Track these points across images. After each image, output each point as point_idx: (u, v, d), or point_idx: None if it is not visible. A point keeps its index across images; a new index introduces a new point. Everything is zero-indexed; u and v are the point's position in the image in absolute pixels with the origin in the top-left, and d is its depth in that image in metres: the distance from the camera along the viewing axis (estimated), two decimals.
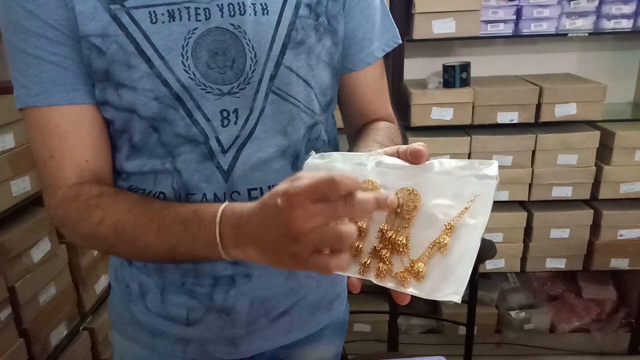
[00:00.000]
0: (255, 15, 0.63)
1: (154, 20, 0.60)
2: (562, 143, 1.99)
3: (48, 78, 0.61)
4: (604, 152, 2.02)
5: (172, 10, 0.60)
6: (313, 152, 0.56)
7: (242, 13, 0.62)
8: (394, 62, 1.99)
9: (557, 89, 1.95)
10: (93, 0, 0.60)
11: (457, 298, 0.43)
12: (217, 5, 0.61)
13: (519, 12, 1.97)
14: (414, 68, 2.16)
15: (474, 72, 2.07)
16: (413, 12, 1.89)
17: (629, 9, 1.96)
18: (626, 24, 1.97)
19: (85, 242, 0.67)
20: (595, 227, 2.07)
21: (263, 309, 0.73)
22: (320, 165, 0.53)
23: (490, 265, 2.12)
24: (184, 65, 0.61)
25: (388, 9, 0.78)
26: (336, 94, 0.77)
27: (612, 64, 2.20)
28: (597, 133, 1.98)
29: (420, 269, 0.45)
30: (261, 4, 0.63)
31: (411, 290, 0.45)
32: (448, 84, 2.02)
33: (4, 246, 1.35)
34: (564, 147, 2.00)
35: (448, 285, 0.44)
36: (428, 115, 2.01)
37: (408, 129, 2.07)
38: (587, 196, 2.06)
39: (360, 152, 0.55)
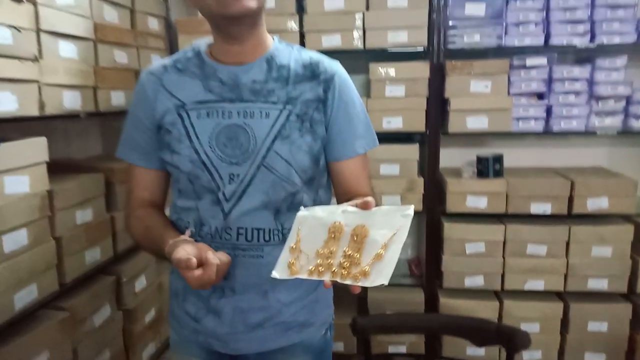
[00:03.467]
0: (260, 118, 0.95)
1: (198, 117, 0.96)
2: (595, 235, 2.04)
3: (132, 147, 1.03)
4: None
5: (209, 111, 0.96)
6: (302, 207, 0.87)
7: (251, 116, 0.95)
8: (429, 151, 2.14)
9: (589, 182, 2.03)
10: (170, 105, 0.98)
11: (385, 282, 0.71)
12: (237, 110, 0.95)
13: (549, 111, 2.11)
14: (450, 156, 2.31)
15: (507, 162, 2.19)
16: (449, 109, 2.06)
17: None
18: None
19: (133, 239, 1.07)
20: (636, 322, 2.05)
21: (242, 318, 1.00)
22: (307, 215, 0.84)
23: (526, 356, 2.11)
24: (210, 145, 0.95)
25: (370, 121, 1.06)
26: (319, 173, 1.03)
27: None
28: (631, 227, 2.03)
29: (367, 270, 0.74)
30: (265, 112, 0.95)
31: (360, 283, 0.73)
32: (482, 174, 2.14)
33: (73, 310, 1.50)
34: (598, 239, 2.04)
35: (380, 278, 0.72)
36: (463, 203, 2.11)
37: (444, 215, 2.17)
38: (624, 289, 2.06)
39: (333, 205, 0.86)
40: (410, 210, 0.79)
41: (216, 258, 0.84)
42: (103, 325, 1.66)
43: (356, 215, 0.81)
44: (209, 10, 0.90)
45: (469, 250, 2.13)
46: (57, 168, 1.45)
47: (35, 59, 1.34)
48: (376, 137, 1.06)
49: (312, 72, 0.99)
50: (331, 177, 1.06)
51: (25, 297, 1.32)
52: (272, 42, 1.01)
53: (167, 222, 1.03)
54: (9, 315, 1.27)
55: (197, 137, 0.95)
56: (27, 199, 1.32)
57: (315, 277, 0.77)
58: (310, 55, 1.02)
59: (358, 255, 0.76)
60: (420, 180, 2.14)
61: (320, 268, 0.77)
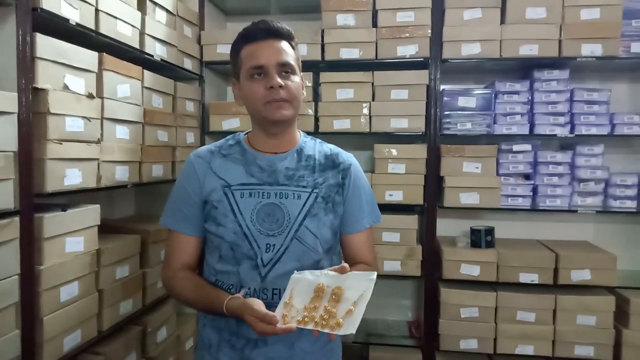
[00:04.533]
0: (293, 199, 1.16)
1: (242, 196, 1.16)
2: (580, 305, 2.21)
3: (178, 217, 1.21)
4: (622, 316, 2.21)
5: (251, 192, 1.16)
6: (295, 271, 1.07)
7: (286, 197, 1.16)
8: (427, 222, 2.37)
9: (572, 256, 2.24)
10: (216, 184, 1.17)
11: (353, 332, 0.93)
12: (274, 192, 1.16)
13: (535, 190, 2.35)
14: (446, 226, 2.54)
15: (498, 234, 2.41)
16: (444, 186, 2.32)
17: (631, 192, 2.30)
18: (630, 204, 2.30)
19: (175, 298, 1.24)
20: None
21: None
22: (299, 277, 1.05)
23: None
24: (251, 220, 1.14)
25: (375, 200, 1.29)
26: (335, 243, 1.23)
27: (625, 235, 2.49)
28: (613, 298, 2.20)
29: (340, 322, 0.97)
30: (297, 194, 1.17)
31: (336, 332, 0.95)
32: (475, 244, 2.36)
33: (107, 356, 1.71)
34: (582, 308, 2.21)
35: (350, 329, 0.94)
36: (458, 270, 2.32)
37: (441, 280, 2.37)
38: (609, 357, 2.20)
39: (319, 270, 1.07)
40: (374, 275, 1.02)
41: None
42: None
43: (335, 278, 1.04)
44: (256, 113, 1.16)
45: (464, 315, 2.30)
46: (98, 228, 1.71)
47: (98, 142, 1.64)
48: (380, 214, 1.29)
49: (332, 162, 1.23)
50: (342, 246, 1.27)
51: (71, 341, 1.55)
52: (300, 136, 1.26)
53: (208, 282, 1.19)
54: (58, 357, 1.49)
55: (241, 213, 1.14)
56: (81, 257, 1.58)
57: (301, 326, 0.98)
58: (330, 147, 1.27)
59: (335, 310, 0.99)
60: (419, 248, 2.36)
61: (306, 319, 0.99)
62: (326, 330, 0.96)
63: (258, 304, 1.02)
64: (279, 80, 1.11)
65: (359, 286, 1.01)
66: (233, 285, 1.14)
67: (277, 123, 1.15)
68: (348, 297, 1.00)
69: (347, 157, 1.26)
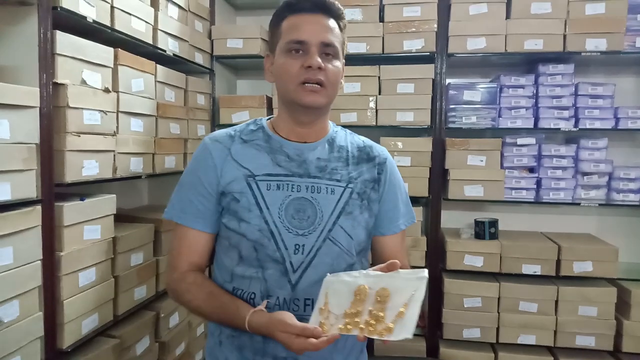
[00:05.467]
0: (326, 193, 1.04)
1: (268, 188, 1.02)
2: (582, 296, 2.25)
3: (188, 210, 1.06)
4: (623, 307, 2.25)
5: (279, 184, 1.03)
6: (328, 273, 0.95)
7: (318, 192, 1.04)
8: (432, 213, 2.42)
9: (574, 248, 2.28)
10: (238, 173, 1.04)
11: (409, 336, 0.83)
12: (305, 185, 1.04)
13: (539, 183, 2.39)
14: (450, 218, 2.59)
15: (502, 226, 2.45)
16: (448, 178, 2.36)
17: (634, 185, 2.33)
18: (633, 197, 2.33)
19: (183, 305, 1.09)
20: None
21: None
22: (334, 280, 0.94)
23: None
24: (279, 215, 1.01)
25: (409, 200, 1.19)
26: (367, 245, 1.12)
27: (627, 227, 2.52)
28: (614, 289, 2.24)
29: (390, 327, 0.86)
30: (331, 189, 1.05)
31: (385, 338, 0.85)
32: (479, 235, 2.41)
33: (122, 339, 1.79)
34: (584, 299, 2.25)
35: (403, 333, 0.84)
36: (461, 261, 2.37)
37: (444, 271, 2.42)
38: (610, 347, 2.24)
39: (356, 271, 0.96)
40: (425, 273, 0.90)
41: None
42: (143, 354, 1.94)
43: (378, 279, 0.91)
44: (286, 94, 1.03)
45: (467, 305, 2.36)
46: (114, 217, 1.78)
47: (114, 134, 1.71)
48: (414, 214, 1.18)
49: (367, 155, 1.12)
50: (372, 248, 1.15)
51: (89, 324, 1.63)
52: (330, 126, 1.14)
53: (224, 289, 1.05)
54: (77, 338, 1.57)
55: (267, 208, 1.00)
56: (98, 244, 1.65)
57: (344, 333, 0.87)
58: (362, 139, 1.16)
59: (382, 314, 0.87)
60: (424, 239, 2.41)
61: (348, 326, 0.88)
62: (374, 337, 0.84)
63: (290, 317, 0.90)
64: (319, 60, 0.99)
65: (407, 286, 0.89)
66: (255, 294, 1.01)
67: (307, 109, 1.03)
68: (396, 299, 0.89)
69: (382, 150, 1.16)
